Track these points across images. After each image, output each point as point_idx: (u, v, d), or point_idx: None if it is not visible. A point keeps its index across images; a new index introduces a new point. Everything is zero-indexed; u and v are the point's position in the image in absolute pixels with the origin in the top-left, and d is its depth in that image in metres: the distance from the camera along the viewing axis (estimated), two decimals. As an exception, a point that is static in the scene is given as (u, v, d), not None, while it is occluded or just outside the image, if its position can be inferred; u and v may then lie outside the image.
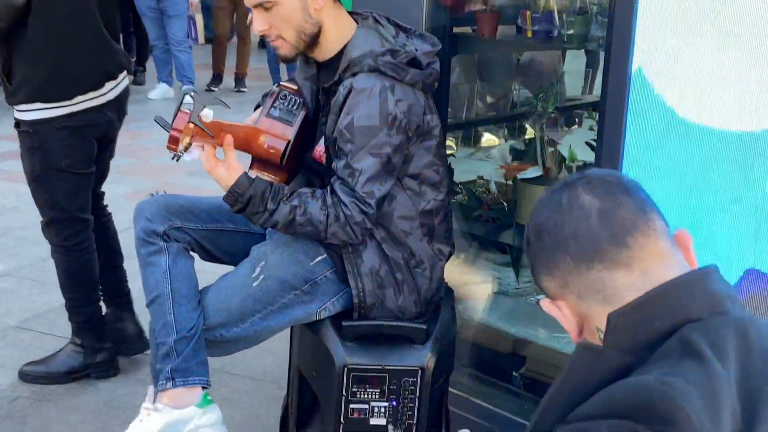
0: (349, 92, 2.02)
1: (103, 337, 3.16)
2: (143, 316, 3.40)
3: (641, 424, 0.93)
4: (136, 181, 5.55)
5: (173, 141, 1.95)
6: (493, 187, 2.83)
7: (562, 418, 1.02)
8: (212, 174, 2.03)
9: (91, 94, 2.87)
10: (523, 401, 2.59)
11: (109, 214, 3.27)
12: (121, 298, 3.24)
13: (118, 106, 3.01)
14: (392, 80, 2.03)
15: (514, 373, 2.71)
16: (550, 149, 2.87)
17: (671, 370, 0.98)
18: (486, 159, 3.29)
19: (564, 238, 1.12)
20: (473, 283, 2.68)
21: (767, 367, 1.00)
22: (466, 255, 2.84)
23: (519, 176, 2.66)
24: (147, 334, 3.27)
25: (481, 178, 3.00)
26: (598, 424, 0.96)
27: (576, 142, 2.90)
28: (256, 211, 2.03)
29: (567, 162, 2.80)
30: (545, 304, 1.19)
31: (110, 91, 2.93)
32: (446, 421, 2.43)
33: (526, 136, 3.18)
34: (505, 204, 2.81)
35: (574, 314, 1.14)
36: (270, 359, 3.40)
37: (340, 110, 2.05)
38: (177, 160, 1.99)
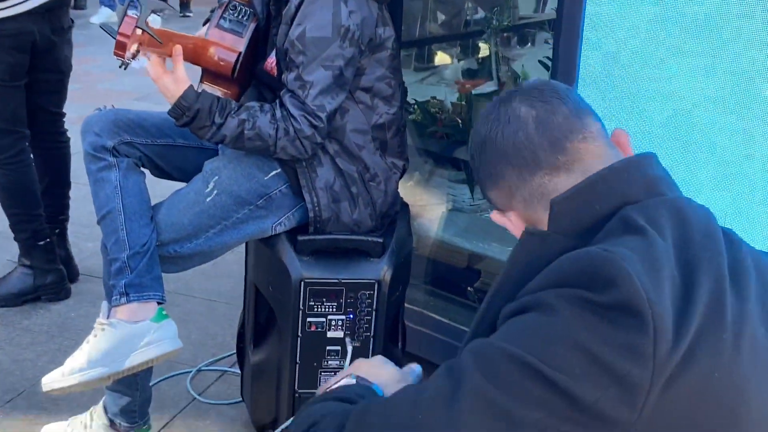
0: (301, 2, 1.98)
1: (52, 258, 3.12)
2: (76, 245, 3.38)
3: (585, 289, 0.96)
4: (82, 106, 5.40)
5: (120, 47, 1.89)
6: (447, 104, 2.81)
7: (512, 297, 1.04)
8: (158, 83, 1.98)
9: (6, 3, 2.77)
10: (474, 312, 2.62)
11: (66, 140, 3.20)
12: (56, 224, 3.18)
13: (50, 17, 2.91)
14: (346, -10, 1.99)
15: (468, 288, 2.73)
16: (505, 68, 2.85)
17: (613, 244, 1.00)
18: (439, 83, 3.26)
19: (504, 149, 1.14)
20: (428, 200, 2.68)
21: (704, 239, 1.03)
22: (421, 172, 2.84)
23: (474, 92, 2.64)
24: (77, 262, 3.28)
25: (434, 98, 2.98)
26: (546, 293, 0.98)
27: (529, 62, 2.88)
28: (202, 125, 1.99)
29: (521, 80, 2.79)
30: (495, 216, 1.20)
31: (28, 0, 2.82)
32: (402, 335, 2.45)
33: (480, 55, 3.16)
34: (459, 121, 2.80)
35: (523, 222, 1.15)
36: (224, 281, 3.39)
37: (292, 21, 2.00)
38: (125, 68, 1.93)
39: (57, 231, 3.19)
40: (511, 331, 1.00)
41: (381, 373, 1.26)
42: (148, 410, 2.33)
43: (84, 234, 3.62)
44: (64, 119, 3.20)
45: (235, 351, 2.85)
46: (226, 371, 2.81)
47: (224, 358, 2.87)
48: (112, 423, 2.28)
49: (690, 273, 0.99)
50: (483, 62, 3.00)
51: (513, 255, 1.11)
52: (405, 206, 2.37)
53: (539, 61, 2.81)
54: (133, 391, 2.24)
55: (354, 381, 1.23)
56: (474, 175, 1.23)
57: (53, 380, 2.01)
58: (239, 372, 2.71)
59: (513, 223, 1.18)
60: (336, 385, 1.23)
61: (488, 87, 2.61)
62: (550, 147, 1.12)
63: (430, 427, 0.99)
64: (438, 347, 2.60)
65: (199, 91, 2.01)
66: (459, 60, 2.96)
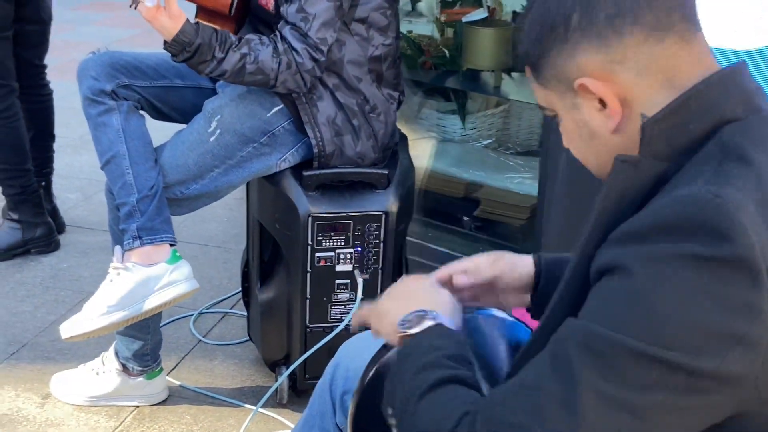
0: (300, -68, 1.95)
1: (40, 211, 3.09)
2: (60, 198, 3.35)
3: (694, 242, 0.89)
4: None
5: None
6: (435, 34, 2.80)
7: (605, 237, 0.97)
8: (154, 24, 1.94)
9: None
10: (477, 243, 2.66)
11: (50, 92, 3.14)
12: (41, 177, 3.14)
13: None
14: None
15: (464, 217, 2.76)
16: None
17: (716, 178, 0.92)
18: (416, 20, 3.22)
19: (637, 5, 0.98)
20: (419, 132, 2.69)
21: None
22: (409, 105, 2.84)
23: (464, 20, 2.63)
24: (62, 214, 3.25)
25: (410, 32, 2.96)
26: (650, 249, 0.91)
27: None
28: (203, 60, 1.97)
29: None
30: (588, 81, 1.00)
31: None
32: (405, 267, 2.48)
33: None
34: (446, 51, 2.79)
35: (616, 96, 1.00)
36: (213, 224, 3.38)
37: (290, -48, 1.97)
38: (135, 7, 1.89)
39: (43, 184, 3.15)
40: (615, 310, 0.92)
41: (443, 301, 1.20)
42: (159, 353, 2.35)
43: (65, 185, 3.58)
44: (46, 70, 3.14)
45: (233, 293, 2.88)
46: (227, 312, 2.82)
47: (224, 300, 2.88)
48: (124, 367, 2.29)
49: None
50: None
51: (607, 188, 1.00)
52: (404, 137, 2.38)
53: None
54: (144, 335, 2.25)
55: (432, 322, 1.13)
56: (560, 36, 1.02)
57: (73, 326, 2.01)
58: (241, 313, 2.74)
59: (598, 94, 1.01)
60: (417, 330, 1.13)
61: (478, 14, 2.61)
62: (689, 15, 1.00)
63: None
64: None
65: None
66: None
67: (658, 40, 0.99)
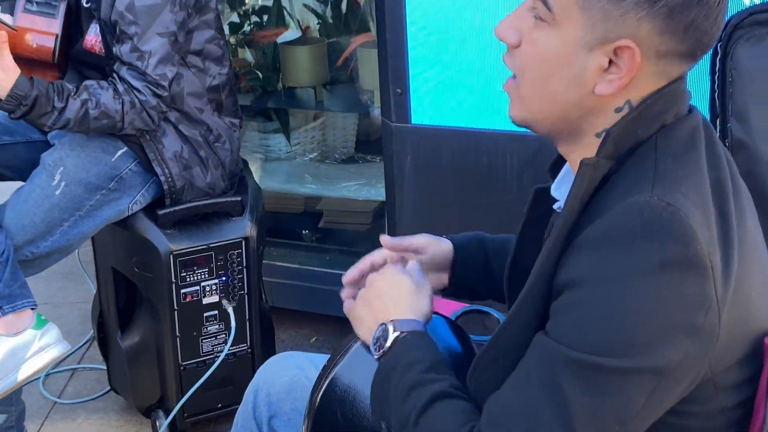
0: (125, -29, 1.93)
1: None
2: None
3: (652, 248, 0.96)
4: None
5: None
6: (249, 57, 2.83)
7: (569, 238, 1.04)
8: None
9: None
10: (325, 253, 2.73)
11: None
12: None
13: None
14: (167, -46, 1.96)
15: (304, 231, 2.82)
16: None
17: (663, 183, 1.00)
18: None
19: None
20: (244, 154, 2.71)
21: (716, 158, 1.08)
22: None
23: (279, 41, 2.69)
24: None
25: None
26: (608, 260, 0.98)
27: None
28: (43, 113, 1.90)
29: (318, 22, 2.82)
30: (637, 52, 1.01)
31: None
32: (262, 289, 2.51)
33: (252, 4, 3.14)
34: (259, 73, 2.83)
35: (632, 69, 1.02)
36: (32, 282, 3.19)
37: (117, -9, 1.95)
38: None
39: None
40: (587, 327, 0.99)
41: (417, 307, 1.23)
42: (24, 423, 2.23)
43: None
44: None
45: (78, 346, 2.76)
46: (77, 368, 2.70)
47: (68, 356, 2.75)
48: (-10, 445, 2.15)
49: (722, 201, 1.03)
50: (261, 9, 2.97)
51: (575, 189, 1.05)
52: (245, 162, 2.40)
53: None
54: (8, 407, 2.13)
55: (398, 333, 1.17)
56: None
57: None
58: (92, 366, 2.65)
59: (622, 60, 1.02)
60: (387, 346, 1.17)
61: (292, 34, 2.67)
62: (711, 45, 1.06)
63: None
64: (291, 293, 2.68)
65: None
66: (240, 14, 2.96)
67: (687, 64, 1.05)
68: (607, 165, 1.05)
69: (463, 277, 1.41)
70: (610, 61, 1.03)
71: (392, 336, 1.17)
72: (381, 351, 1.18)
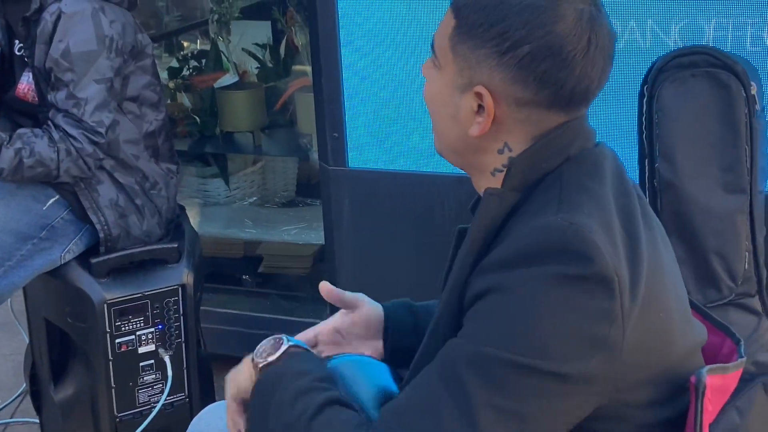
0: (59, 18, 1.92)
1: None
2: None
3: (558, 264, 1.00)
4: None
5: None
6: (186, 102, 2.81)
7: (476, 264, 1.08)
8: None
9: None
10: (266, 299, 2.70)
11: None
12: None
13: None
14: (101, 1, 1.96)
15: (244, 276, 2.80)
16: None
17: (566, 206, 1.04)
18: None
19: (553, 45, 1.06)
20: (181, 200, 2.69)
21: (623, 184, 1.13)
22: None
23: (216, 86, 2.68)
24: None
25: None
26: (518, 274, 1.01)
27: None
28: None
29: (256, 67, 2.82)
30: (486, 95, 1.08)
31: None
32: (201, 335, 2.47)
33: (190, 49, 3.14)
34: (197, 118, 2.82)
35: (490, 113, 1.09)
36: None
37: (51, 38, 1.93)
38: None
39: None
40: (493, 327, 1.02)
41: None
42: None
43: None
44: None
45: (9, 401, 2.67)
46: (8, 423, 2.62)
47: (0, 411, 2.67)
48: None
49: (630, 224, 1.07)
50: (199, 54, 2.97)
51: (478, 218, 1.10)
52: (182, 208, 2.38)
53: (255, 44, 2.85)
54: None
55: (290, 345, 1.19)
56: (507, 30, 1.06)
57: None
58: (25, 419, 2.57)
59: (478, 103, 1.08)
60: (276, 356, 1.18)
61: (229, 79, 2.67)
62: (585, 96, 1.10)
63: None
64: (231, 339, 2.64)
65: None
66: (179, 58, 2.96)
67: (555, 113, 1.10)
68: (514, 196, 1.10)
69: (397, 343, 1.40)
70: (480, 106, 1.10)
71: (284, 347, 1.19)
72: (267, 360, 1.19)
